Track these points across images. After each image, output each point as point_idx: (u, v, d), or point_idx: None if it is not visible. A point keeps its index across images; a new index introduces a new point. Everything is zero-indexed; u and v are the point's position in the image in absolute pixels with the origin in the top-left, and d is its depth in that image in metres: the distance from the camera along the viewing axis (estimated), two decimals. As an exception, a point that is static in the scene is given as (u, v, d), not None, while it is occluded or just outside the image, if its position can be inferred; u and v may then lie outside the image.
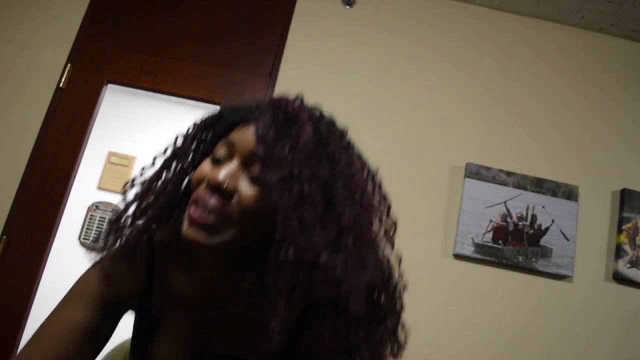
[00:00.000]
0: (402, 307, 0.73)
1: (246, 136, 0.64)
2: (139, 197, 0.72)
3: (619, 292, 1.91)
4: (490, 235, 1.90)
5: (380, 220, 0.70)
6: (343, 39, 2.10)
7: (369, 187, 0.69)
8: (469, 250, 1.89)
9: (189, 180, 0.72)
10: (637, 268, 1.91)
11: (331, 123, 0.69)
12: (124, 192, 0.73)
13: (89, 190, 3.52)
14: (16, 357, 0.67)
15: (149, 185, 0.72)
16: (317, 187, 0.61)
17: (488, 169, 1.96)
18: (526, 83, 2.11)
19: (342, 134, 0.69)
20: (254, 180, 0.62)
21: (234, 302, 0.69)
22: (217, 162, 0.64)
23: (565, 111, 2.09)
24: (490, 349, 1.84)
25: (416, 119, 2.03)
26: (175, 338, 0.71)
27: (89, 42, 2.05)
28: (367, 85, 2.04)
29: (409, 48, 2.11)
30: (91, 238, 3.45)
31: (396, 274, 0.72)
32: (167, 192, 0.71)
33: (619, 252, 1.92)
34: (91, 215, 3.49)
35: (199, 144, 0.74)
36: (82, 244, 3.46)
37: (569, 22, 2.18)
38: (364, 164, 0.70)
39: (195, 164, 0.71)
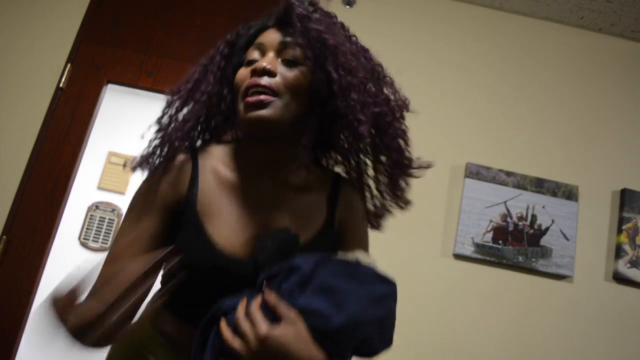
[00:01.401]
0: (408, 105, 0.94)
1: (272, 34, 0.81)
2: (179, 109, 0.81)
3: (619, 292, 1.91)
4: (490, 235, 1.90)
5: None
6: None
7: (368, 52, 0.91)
8: (469, 250, 1.89)
9: (222, 91, 0.83)
10: (637, 268, 1.91)
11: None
12: (170, 98, 0.83)
13: (89, 190, 3.52)
14: (101, 274, 0.72)
15: (186, 97, 0.82)
16: (345, 38, 0.82)
17: (488, 169, 1.96)
18: (526, 83, 2.11)
19: (335, 15, 0.89)
20: (289, 62, 0.78)
21: (283, 188, 0.82)
22: (252, 63, 0.79)
23: (565, 111, 2.09)
24: (490, 349, 1.84)
25: (416, 119, 2.02)
26: (231, 223, 0.77)
27: (89, 42, 2.05)
28: (367, 85, 2.04)
29: (409, 48, 2.11)
30: (93, 238, 3.46)
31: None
32: (203, 102, 0.81)
33: (619, 252, 1.92)
34: (91, 215, 3.49)
35: (226, 57, 0.85)
36: (82, 244, 3.46)
37: (568, 22, 2.18)
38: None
39: (225, 76, 0.83)
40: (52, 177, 1.89)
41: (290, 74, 0.77)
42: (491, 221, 1.91)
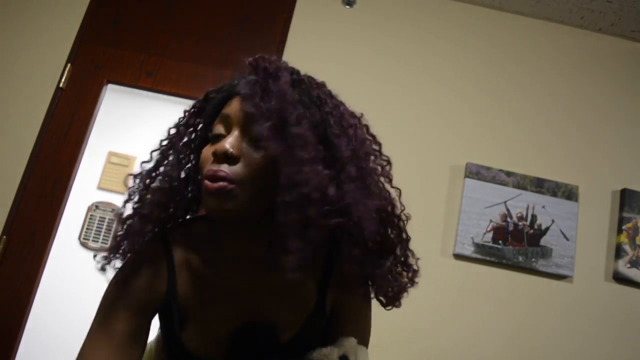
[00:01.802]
0: (408, 236, 0.77)
1: (238, 105, 0.68)
2: (143, 196, 0.73)
3: (619, 292, 1.91)
4: (490, 235, 1.90)
5: (375, 157, 0.75)
6: (343, 39, 2.10)
7: (359, 126, 0.74)
8: (469, 250, 1.89)
9: (192, 169, 0.76)
10: (637, 268, 1.91)
11: (310, 76, 0.74)
12: (127, 192, 0.75)
13: (89, 190, 3.52)
14: None
15: (150, 181, 0.74)
16: (307, 127, 0.65)
17: (488, 169, 1.96)
18: (526, 83, 2.11)
19: (324, 84, 0.74)
20: (255, 142, 0.66)
21: (263, 272, 0.72)
22: (217, 139, 0.68)
23: (565, 111, 2.09)
24: (490, 349, 1.84)
25: (416, 119, 2.03)
26: (208, 322, 0.72)
27: (89, 42, 2.05)
28: (367, 86, 2.04)
29: (409, 48, 2.11)
30: (93, 238, 3.45)
31: (398, 205, 0.76)
32: (172, 185, 0.73)
33: (619, 252, 1.92)
34: (91, 215, 3.49)
35: (192, 131, 0.76)
36: (82, 244, 3.46)
37: (569, 22, 2.17)
38: (348, 109, 0.75)
39: (193, 151, 0.75)
40: (52, 177, 1.89)
41: (255, 157, 0.65)
42: (491, 221, 1.91)
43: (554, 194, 1.96)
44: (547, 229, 1.92)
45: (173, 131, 0.77)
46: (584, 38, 2.18)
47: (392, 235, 0.75)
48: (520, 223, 1.92)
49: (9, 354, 1.77)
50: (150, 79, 2.02)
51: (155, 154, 0.77)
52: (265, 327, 0.71)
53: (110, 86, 2.04)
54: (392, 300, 0.76)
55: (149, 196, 0.72)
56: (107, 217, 3.50)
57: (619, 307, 1.90)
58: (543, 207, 1.94)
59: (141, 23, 2.09)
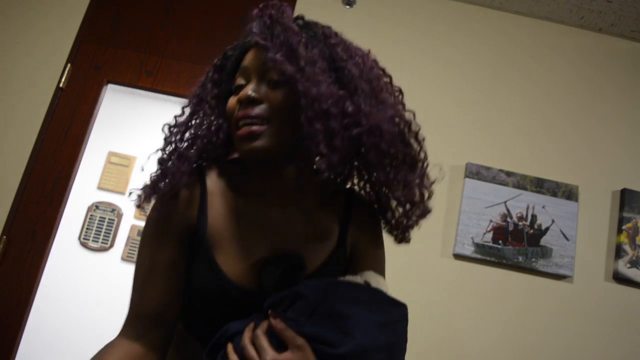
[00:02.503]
0: (426, 156, 0.85)
1: (252, 56, 0.77)
2: (178, 142, 0.79)
3: (619, 292, 1.91)
4: (490, 235, 1.90)
5: (386, 84, 0.82)
6: (343, 39, 2.09)
7: (366, 56, 0.80)
8: (469, 250, 1.89)
9: (220, 119, 0.81)
10: (637, 268, 1.91)
11: (315, 21, 0.83)
12: (168, 133, 0.80)
13: (89, 190, 3.52)
14: (128, 311, 0.74)
15: (185, 130, 0.80)
16: (317, 53, 0.73)
17: (488, 169, 1.96)
18: (526, 83, 2.11)
19: (329, 26, 0.83)
20: (274, 84, 0.73)
21: (290, 207, 0.79)
22: (239, 89, 0.76)
23: (565, 111, 2.09)
24: (490, 349, 1.84)
25: (416, 119, 2.02)
26: (238, 250, 0.76)
27: (89, 42, 2.05)
28: (367, 85, 2.04)
29: (409, 48, 2.11)
30: (93, 238, 3.45)
31: (415, 124, 0.84)
32: (203, 134, 0.79)
33: (619, 252, 1.92)
34: (91, 215, 3.49)
35: (216, 86, 0.83)
36: (82, 244, 3.46)
37: (568, 22, 2.18)
38: (355, 44, 0.82)
39: (220, 103, 0.81)
40: (52, 177, 1.90)
41: (277, 96, 0.73)
42: (491, 221, 1.92)
43: (554, 194, 1.96)
44: (547, 229, 1.92)
45: (199, 89, 0.84)
46: (584, 38, 2.18)
47: (413, 144, 0.82)
48: (520, 223, 1.92)
49: (9, 354, 1.77)
50: (150, 79, 2.02)
51: (187, 107, 0.82)
52: (293, 256, 0.76)
53: (110, 86, 2.04)
54: (404, 230, 0.82)
55: (184, 143, 0.78)
56: (107, 217, 3.51)
57: (619, 307, 1.90)
58: (543, 207, 1.94)
59: (141, 23, 2.09)
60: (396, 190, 0.78)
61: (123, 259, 3.45)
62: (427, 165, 0.85)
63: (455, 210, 1.94)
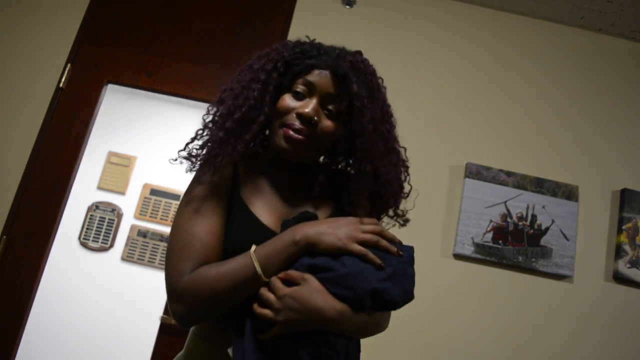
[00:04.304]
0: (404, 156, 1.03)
1: (324, 80, 0.88)
2: (228, 116, 0.88)
3: (619, 292, 1.91)
4: (490, 235, 1.90)
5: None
6: (343, 40, 2.09)
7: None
8: (469, 250, 1.89)
9: (264, 104, 0.89)
10: (637, 268, 1.91)
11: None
12: (218, 101, 0.91)
13: (89, 190, 3.52)
14: (189, 277, 0.79)
15: (234, 102, 0.89)
16: (382, 124, 0.91)
17: (488, 169, 1.96)
18: (526, 83, 2.11)
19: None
20: (330, 114, 0.87)
21: (300, 199, 0.93)
22: (298, 96, 0.88)
23: (565, 111, 2.09)
24: (490, 349, 1.84)
25: (416, 119, 2.03)
26: (265, 208, 0.90)
27: (89, 42, 2.05)
28: (367, 85, 2.04)
29: (409, 48, 2.11)
30: (93, 238, 3.45)
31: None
32: (250, 108, 0.87)
33: (619, 252, 1.92)
34: (91, 215, 3.49)
35: (280, 75, 0.91)
36: (82, 244, 3.46)
37: (569, 22, 2.18)
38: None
39: (272, 89, 0.90)
40: (52, 177, 1.90)
41: (329, 125, 0.87)
42: (491, 221, 1.92)
43: (554, 194, 1.96)
44: (547, 229, 1.92)
45: (263, 73, 0.90)
46: (584, 38, 2.18)
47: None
48: (520, 223, 1.92)
49: (9, 354, 1.77)
50: (150, 79, 2.02)
51: (239, 85, 0.91)
52: (309, 212, 0.88)
53: (110, 86, 2.04)
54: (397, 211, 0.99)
55: (235, 115, 0.87)
56: (107, 217, 3.51)
57: (619, 307, 1.90)
58: (543, 207, 1.94)
59: (141, 23, 2.09)
60: (391, 187, 0.93)
61: (123, 259, 3.45)
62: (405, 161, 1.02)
63: (455, 210, 1.94)
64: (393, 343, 1.78)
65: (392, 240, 0.81)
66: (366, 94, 0.88)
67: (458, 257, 1.90)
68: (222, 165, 0.87)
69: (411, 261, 0.81)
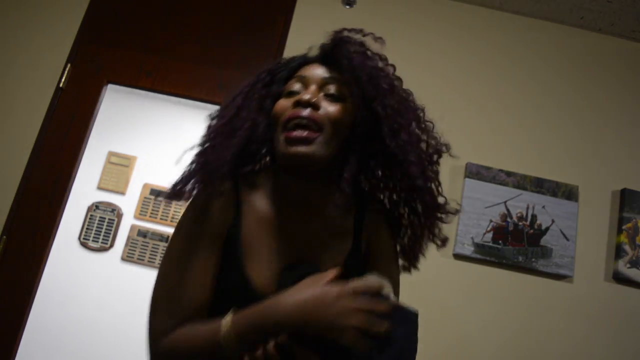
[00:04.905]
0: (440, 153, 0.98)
1: (315, 69, 0.82)
2: (219, 135, 0.80)
3: (619, 292, 1.91)
4: (490, 235, 1.90)
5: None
6: (343, 39, 2.09)
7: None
8: (469, 250, 1.89)
9: (260, 119, 0.82)
10: (637, 268, 1.91)
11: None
12: (210, 123, 0.83)
13: (89, 190, 3.52)
14: (169, 340, 0.73)
15: (227, 123, 0.81)
16: (396, 88, 0.85)
17: (488, 169, 1.96)
18: (526, 83, 2.11)
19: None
20: (332, 97, 0.79)
21: (317, 216, 0.83)
22: (292, 94, 0.80)
23: (565, 111, 2.09)
24: (490, 349, 1.84)
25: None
26: (265, 257, 0.79)
27: (89, 42, 2.05)
28: (367, 85, 2.04)
29: (409, 48, 2.11)
30: (93, 238, 3.45)
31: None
32: (245, 130, 0.80)
33: (619, 252, 1.92)
34: (91, 215, 3.49)
35: (266, 86, 0.85)
36: (82, 244, 3.46)
37: (569, 22, 2.18)
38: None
39: (264, 104, 0.83)
40: (52, 177, 1.89)
41: (333, 108, 0.78)
42: (491, 221, 1.91)
43: (554, 194, 1.96)
44: (547, 229, 1.92)
45: (248, 87, 0.85)
46: (584, 38, 2.18)
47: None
48: (520, 223, 1.92)
49: (9, 354, 1.77)
50: (150, 79, 2.02)
51: (232, 105, 0.83)
52: (310, 265, 0.78)
53: (110, 86, 2.04)
54: (415, 252, 0.92)
55: (226, 139, 0.79)
56: (107, 217, 3.51)
57: (619, 307, 1.90)
58: (543, 207, 1.94)
59: (141, 23, 2.09)
60: (425, 195, 0.87)
61: (123, 259, 3.44)
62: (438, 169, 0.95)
63: (455, 210, 1.93)
64: (393, 343, 1.78)
65: (394, 307, 0.68)
66: (369, 63, 0.82)
67: (458, 257, 1.90)
68: (222, 192, 0.78)
69: (413, 333, 0.70)
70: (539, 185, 1.96)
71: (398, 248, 0.92)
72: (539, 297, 1.89)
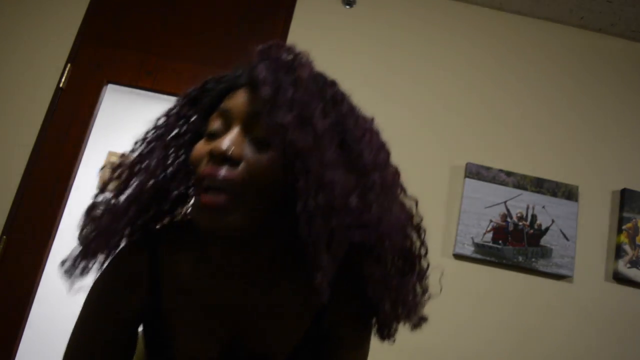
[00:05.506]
0: (427, 250, 0.71)
1: (240, 99, 0.60)
2: (121, 190, 0.64)
3: (619, 292, 1.91)
4: (490, 235, 1.90)
5: (397, 178, 0.68)
6: (343, 40, 2.10)
7: (374, 131, 0.66)
8: (469, 250, 1.89)
9: (181, 165, 0.66)
10: (637, 268, 1.91)
11: (323, 73, 0.66)
12: (102, 184, 0.66)
13: (89, 190, 3.52)
14: None
15: (131, 175, 0.64)
16: (330, 125, 0.57)
17: (488, 169, 1.96)
18: (526, 83, 2.11)
19: (336, 82, 0.66)
20: (259, 143, 0.57)
21: (256, 291, 0.66)
22: (214, 137, 0.60)
23: (565, 111, 2.09)
24: (490, 349, 1.84)
25: (416, 119, 2.03)
26: (195, 338, 0.66)
27: (89, 42, 2.05)
28: (367, 86, 2.04)
29: (409, 48, 2.11)
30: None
31: (418, 216, 0.69)
32: (155, 180, 0.63)
33: (619, 252, 1.92)
34: (91, 215, 3.49)
35: (184, 123, 0.68)
36: (82, 244, 3.46)
37: (569, 22, 2.17)
38: (361, 111, 0.67)
39: (183, 146, 0.66)
40: (52, 177, 1.89)
41: (259, 160, 0.57)
42: (491, 221, 1.91)
43: (554, 194, 1.96)
44: (547, 229, 1.92)
45: (162, 121, 0.68)
46: (584, 38, 2.18)
47: (415, 251, 0.68)
48: (520, 223, 1.92)
49: (9, 354, 1.77)
50: (150, 79, 2.02)
51: (140, 146, 0.67)
52: (254, 356, 0.66)
53: (110, 86, 2.04)
54: (391, 332, 0.70)
55: (128, 191, 0.63)
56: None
57: (619, 307, 1.90)
58: (543, 207, 1.94)
59: (141, 23, 2.09)
60: (391, 292, 0.64)
61: (123, 259, 3.44)
62: (427, 267, 0.73)
63: (455, 210, 1.93)
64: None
65: None
66: (296, 94, 0.56)
67: (458, 257, 1.90)
68: (129, 262, 0.64)
69: None
70: (539, 185, 1.96)
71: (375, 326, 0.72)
72: (539, 297, 1.89)
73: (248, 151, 0.57)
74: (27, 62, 2.01)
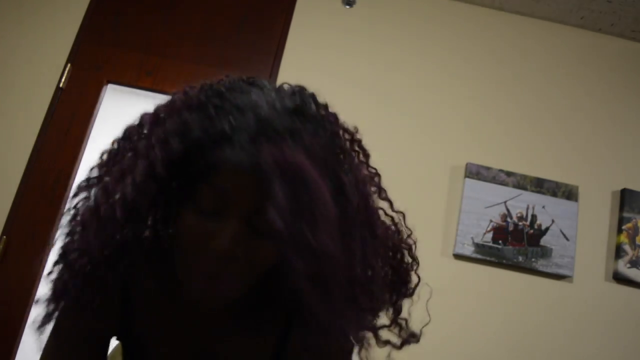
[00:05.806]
0: (418, 264, 0.74)
1: (242, 185, 0.51)
2: (92, 227, 0.57)
3: (619, 292, 1.91)
4: (490, 235, 1.90)
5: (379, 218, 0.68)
6: (343, 40, 2.10)
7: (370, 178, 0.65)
8: (469, 250, 1.89)
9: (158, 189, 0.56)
10: (637, 268, 1.91)
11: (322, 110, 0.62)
12: (70, 217, 0.61)
13: (89, 190, 3.52)
14: None
15: (100, 208, 0.57)
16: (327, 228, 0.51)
17: (488, 169, 1.96)
18: (526, 83, 2.11)
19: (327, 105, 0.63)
20: (259, 235, 0.53)
21: (224, 333, 0.66)
22: (205, 215, 0.53)
23: (565, 111, 2.09)
24: (490, 349, 1.84)
25: (416, 119, 2.03)
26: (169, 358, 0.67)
27: (89, 42, 2.05)
28: (368, 86, 2.04)
29: (409, 49, 2.11)
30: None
31: (406, 230, 0.73)
32: (129, 212, 0.55)
33: (619, 252, 1.92)
34: (91, 215, 3.49)
35: (171, 153, 0.55)
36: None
37: (569, 22, 2.17)
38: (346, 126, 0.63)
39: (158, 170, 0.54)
40: (52, 177, 1.89)
41: (259, 253, 0.54)
42: (491, 221, 1.91)
43: (554, 194, 1.96)
44: (547, 229, 1.92)
45: (120, 145, 0.63)
46: (584, 38, 2.18)
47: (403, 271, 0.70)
48: (520, 223, 1.92)
49: (9, 354, 1.77)
50: (150, 79, 2.02)
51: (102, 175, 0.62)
52: None
53: (110, 86, 2.04)
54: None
55: (99, 228, 0.56)
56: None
57: (619, 307, 1.90)
58: (543, 207, 1.94)
59: (141, 23, 2.09)
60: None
61: (123, 259, 3.44)
62: (416, 286, 0.73)
63: (455, 210, 1.93)
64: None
65: None
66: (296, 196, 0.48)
67: (458, 257, 1.90)
68: (102, 282, 0.59)
69: None
70: (539, 185, 1.96)
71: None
72: (539, 297, 1.89)
73: (249, 242, 0.53)
74: (27, 62, 2.01)
